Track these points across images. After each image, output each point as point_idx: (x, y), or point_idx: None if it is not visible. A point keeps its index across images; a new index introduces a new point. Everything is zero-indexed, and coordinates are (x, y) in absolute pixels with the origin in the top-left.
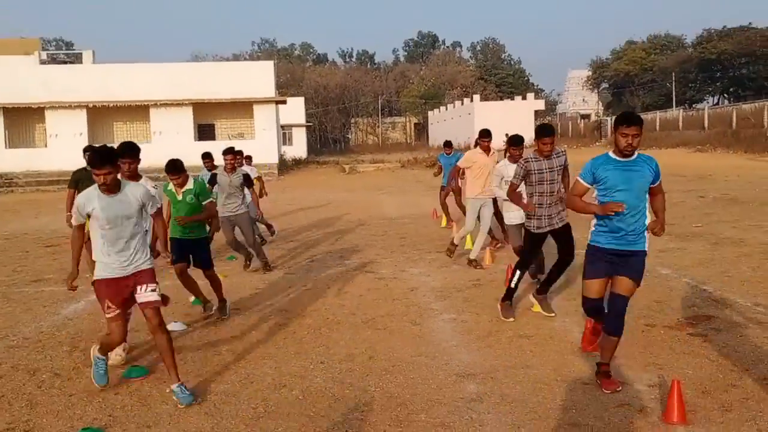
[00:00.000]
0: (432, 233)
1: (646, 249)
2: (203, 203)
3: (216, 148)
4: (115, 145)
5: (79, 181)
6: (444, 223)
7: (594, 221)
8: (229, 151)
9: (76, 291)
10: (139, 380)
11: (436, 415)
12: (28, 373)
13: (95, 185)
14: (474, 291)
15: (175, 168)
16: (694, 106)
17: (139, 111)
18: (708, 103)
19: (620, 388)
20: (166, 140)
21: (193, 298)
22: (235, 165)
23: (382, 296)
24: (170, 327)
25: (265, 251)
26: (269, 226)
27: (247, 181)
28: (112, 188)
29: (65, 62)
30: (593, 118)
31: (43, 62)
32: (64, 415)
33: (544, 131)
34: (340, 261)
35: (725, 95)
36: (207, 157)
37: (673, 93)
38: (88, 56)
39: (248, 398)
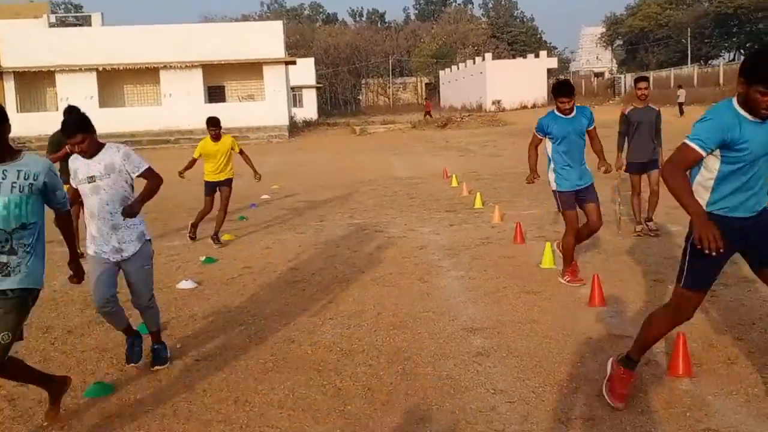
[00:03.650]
0: (441, 193)
1: None
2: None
3: (227, 110)
4: (126, 109)
5: (59, 144)
6: (455, 182)
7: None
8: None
9: None
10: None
11: (443, 368)
12: (41, 330)
13: None
14: (482, 249)
15: None
16: (709, 62)
17: (148, 74)
18: (724, 59)
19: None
20: (176, 103)
21: (203, 257)
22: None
23: (390, 255)
24: (181, 285)
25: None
26: None
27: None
28: None
29: (74, 25)
30: (607, 75)
31: (52, 25)
32: (76, 371)
33: None
34: (349, 221)
35: (741, 51)
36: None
37: (689, 49)
38: (97, 19)
39: (258, 353)
